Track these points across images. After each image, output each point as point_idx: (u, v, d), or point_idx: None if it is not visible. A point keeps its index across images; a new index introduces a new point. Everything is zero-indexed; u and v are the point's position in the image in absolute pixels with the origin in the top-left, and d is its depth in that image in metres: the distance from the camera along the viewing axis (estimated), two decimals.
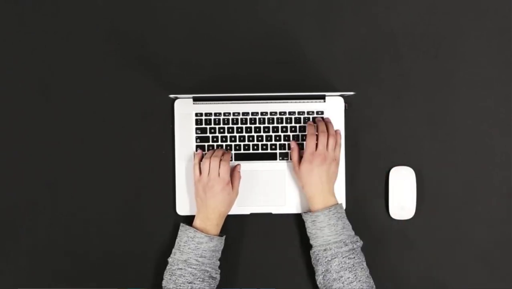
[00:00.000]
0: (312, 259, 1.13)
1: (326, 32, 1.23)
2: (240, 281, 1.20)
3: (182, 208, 1.20)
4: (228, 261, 1.17)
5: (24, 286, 1.20)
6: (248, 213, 1.20)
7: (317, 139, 1.14)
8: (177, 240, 1.13)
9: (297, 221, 1.19)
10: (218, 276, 1.12)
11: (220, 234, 1.15)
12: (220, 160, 1.14)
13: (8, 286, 1.20)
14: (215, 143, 1.20)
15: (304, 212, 1.15)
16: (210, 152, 1.16)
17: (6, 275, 1.21)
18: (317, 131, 1.16)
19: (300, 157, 1.17)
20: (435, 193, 1.22)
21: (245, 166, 1.19)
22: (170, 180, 1.21)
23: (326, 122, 1.18)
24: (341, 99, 1.20)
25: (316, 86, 1.21)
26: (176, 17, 1.22)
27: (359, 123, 1.22)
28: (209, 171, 1.13)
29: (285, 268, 1.21)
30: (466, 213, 1.21)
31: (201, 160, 1.17)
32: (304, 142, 1.18)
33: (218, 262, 1.13)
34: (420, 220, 1.21)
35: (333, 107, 1.20)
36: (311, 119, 1.20)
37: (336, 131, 1.18)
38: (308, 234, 1.14)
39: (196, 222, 1.14)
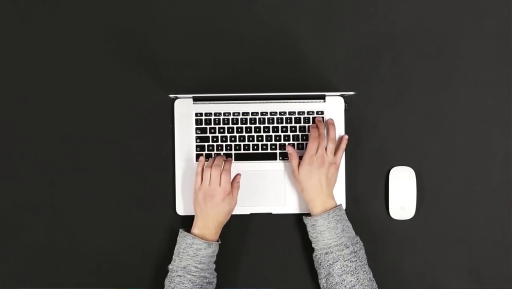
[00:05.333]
0: (315, 262, 1.13)
1: (326, 32, 1.23)
2: (240, 281, 1.20)
3: (182, 208, 1.20)
4: (228, 261, 1.17)
5: (24, 286, 1.20)
6: (248, 213, 1.20)
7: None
8: (176, 246, 1.12)
9: (297, 221, 1.19)
10: (215, 280, 1.12)
11: None
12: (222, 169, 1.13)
13: (8, 286, 1.20)
14: (215, 143, 1.20)
15: (304, 216, 1.15)
16: (212, 159, 1.15)
17: (6, 275, 1.21)
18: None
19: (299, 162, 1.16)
20: (435, 193, 1.22)
21: (245, 166, 1.19)
22: (170, 180, 1.21)
23: (328, 125, 1.17)
24: (341, 99, 1.20)
25: (316, 86, 1.21)
26: (176, 17, 1.22)
27: (359, 123, 1.21)
28: (210, 180, 1.12)
29: (285, 268, 1.21)
30: (466, 213, 1.21)
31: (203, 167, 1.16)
32: (304, 143, 1.19)
33: (214, 265, 1.13)
34: (420, 220, 1.21)
35: (333, 107, 1.20)
36: (314, 119, 1.19)
37: (343, 137, 1.18)
38: (310, 238, 1.14)
39: (195, 230, 1.12)
